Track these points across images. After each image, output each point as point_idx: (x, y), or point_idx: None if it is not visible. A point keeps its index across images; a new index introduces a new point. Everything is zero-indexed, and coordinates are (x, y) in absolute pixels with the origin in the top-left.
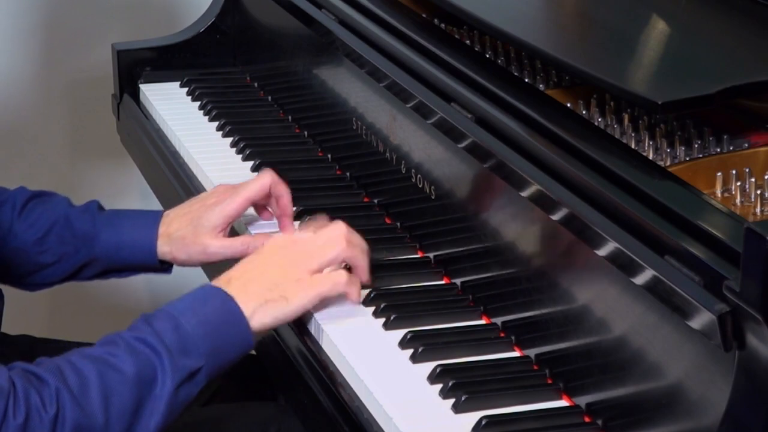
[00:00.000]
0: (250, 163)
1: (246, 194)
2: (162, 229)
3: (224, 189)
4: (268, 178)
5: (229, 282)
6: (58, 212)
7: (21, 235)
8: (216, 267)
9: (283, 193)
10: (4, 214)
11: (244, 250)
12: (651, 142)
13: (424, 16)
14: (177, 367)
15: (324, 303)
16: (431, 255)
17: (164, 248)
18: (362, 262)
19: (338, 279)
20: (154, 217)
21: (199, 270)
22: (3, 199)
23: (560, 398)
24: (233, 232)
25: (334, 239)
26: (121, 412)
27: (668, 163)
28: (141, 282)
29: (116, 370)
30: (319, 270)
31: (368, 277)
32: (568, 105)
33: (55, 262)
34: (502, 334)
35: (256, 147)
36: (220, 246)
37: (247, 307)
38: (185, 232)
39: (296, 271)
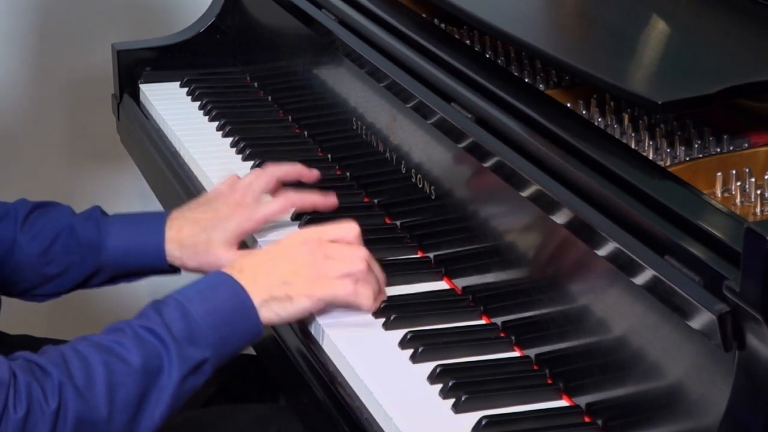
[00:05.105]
0: (250, 163)
1: (266, 215)
2: (171, 233)
3: (237, 201)
4: (289, 204)
5: (242, 272)
6: (61, 222)
7: (25, 247)
8: None
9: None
10: (7, 228)
11: None
12: (651, 142)
13: (424, 16)
14: (183, 357)
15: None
16: (431, 255)
17: (174, 253)
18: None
19: (344, 290)
20: (160, 220)
21: None
22: (3, 213)
23: (560, 398)
24: (242, 245)
25: (356, 258)
26: (125, 403)
27: (668, 163)
28: (142, 281)
29: (122, 360)
30: (331, 278)
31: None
32: (568, 105)
33: (62, 272)
34: (502, 334)
35: (256, 147)
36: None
37: (255, 299)
38: (198, 240)
39: (309, 272)
